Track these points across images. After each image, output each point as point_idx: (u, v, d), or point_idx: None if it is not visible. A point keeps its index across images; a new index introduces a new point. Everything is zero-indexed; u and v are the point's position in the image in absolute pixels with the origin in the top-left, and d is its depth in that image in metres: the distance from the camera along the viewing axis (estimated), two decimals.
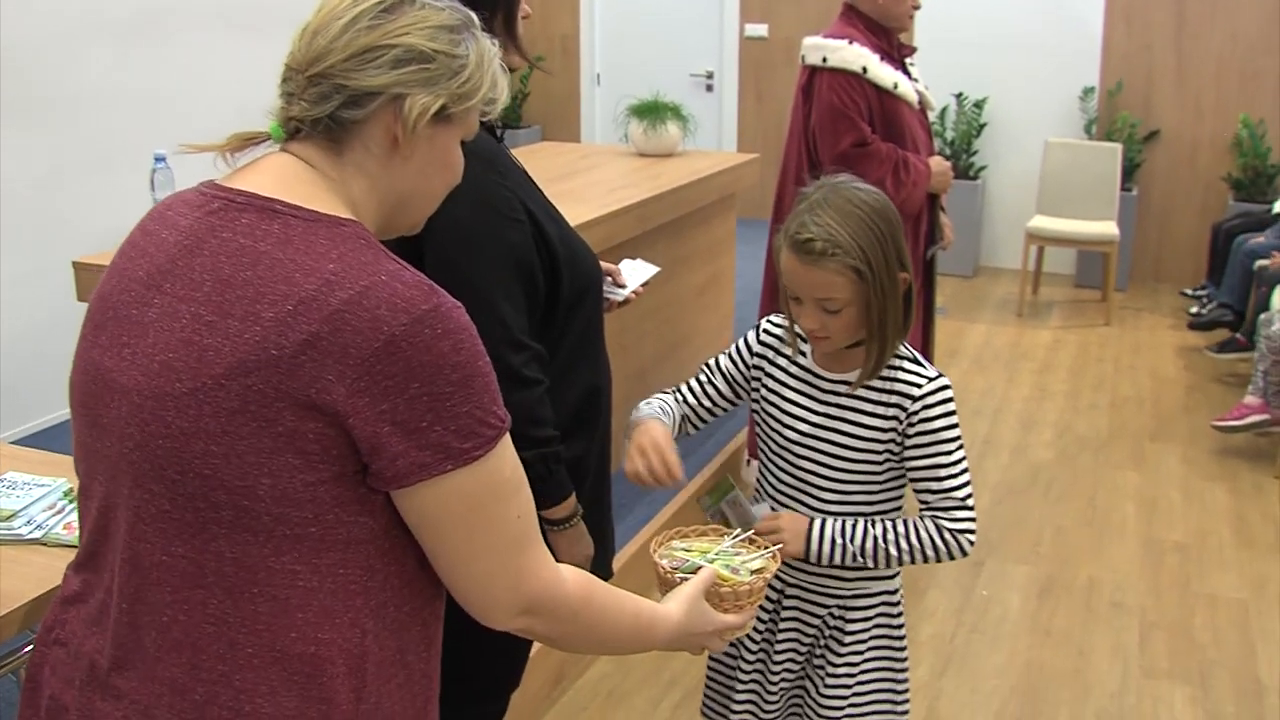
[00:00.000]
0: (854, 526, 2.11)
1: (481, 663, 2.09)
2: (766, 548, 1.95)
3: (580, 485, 2.10)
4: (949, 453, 2.08)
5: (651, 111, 5.00)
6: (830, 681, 2.23)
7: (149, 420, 1.26)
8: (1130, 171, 7.70)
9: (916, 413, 2.06)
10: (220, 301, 1.25)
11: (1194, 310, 6.81)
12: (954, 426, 2.08)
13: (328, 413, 1.22)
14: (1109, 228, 7.21)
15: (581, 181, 4.41)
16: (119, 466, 1.30)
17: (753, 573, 1.84)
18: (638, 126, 5.02)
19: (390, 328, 1.23)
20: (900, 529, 2.10)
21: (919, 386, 2.07)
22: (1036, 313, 7.39)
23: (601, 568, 2.18)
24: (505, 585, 1.35)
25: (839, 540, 2.10)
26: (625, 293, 2.46)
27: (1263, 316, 5.35)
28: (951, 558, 2.11)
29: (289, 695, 1.29)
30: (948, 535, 2.08)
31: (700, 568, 1.78)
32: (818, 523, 2.11)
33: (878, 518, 2.14)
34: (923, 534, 2.09)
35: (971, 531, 2.09)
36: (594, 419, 2.16)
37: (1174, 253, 7.95)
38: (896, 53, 3.93)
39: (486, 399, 1.30)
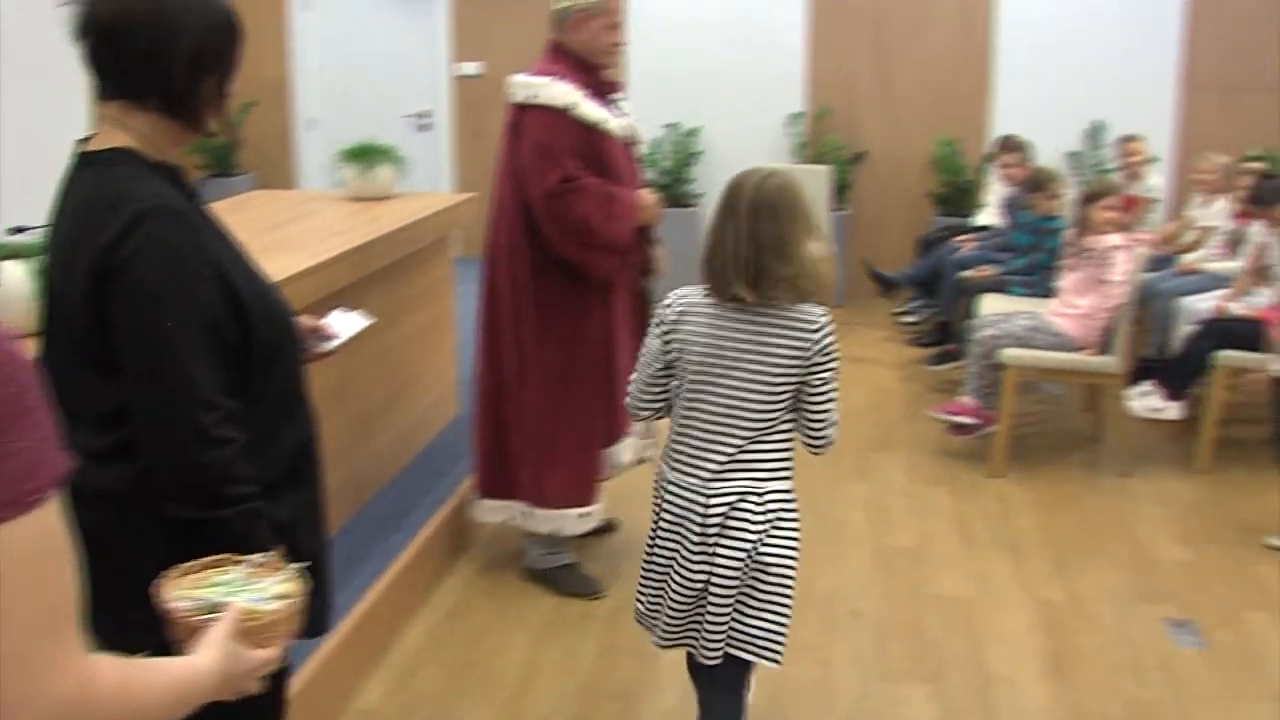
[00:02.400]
0: None
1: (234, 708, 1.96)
2: (281, 569, 1.77)
3: (297, 541, 2.02)
4: None
5: (364, 155, 4.92)
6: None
7: None
8: (841, 192, 8.01)
9: None
10: None
11: (907, 317, 7.09)
12: None
13: None
14: (822, 248, 7.43)
15: (295, 229, 4.29)
16: None
17: (277, 601, 1.70)
18: (351, 170, 4.92)
19: None
20: None
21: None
22: None
23: (319, 624, 2.11)
24: (36, 675, 1.14)
25: None
26: (334, 344, 2.40)
27: (971, 323, 5.64)
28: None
29: None
30: None
31: (218, 605, 1.63)
32: None
33: None
34: None
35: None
36: (307, 473, 2.11)
37: (886, 267, 8.30)
38: (603, 89, 3.96)
39: (42, 432, 1.14)
